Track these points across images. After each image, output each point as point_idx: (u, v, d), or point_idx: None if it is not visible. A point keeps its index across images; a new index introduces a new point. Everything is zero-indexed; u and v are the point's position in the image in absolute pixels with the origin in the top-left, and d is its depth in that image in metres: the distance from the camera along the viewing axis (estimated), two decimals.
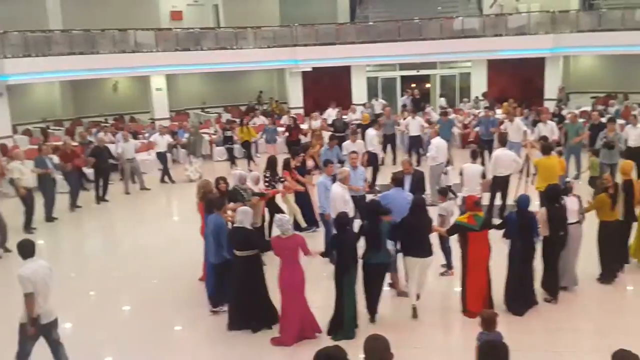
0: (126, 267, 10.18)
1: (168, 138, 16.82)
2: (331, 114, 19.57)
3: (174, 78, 23.64)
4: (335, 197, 8.86)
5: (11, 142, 18.70)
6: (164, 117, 21.81)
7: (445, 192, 8.89)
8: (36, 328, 6.14)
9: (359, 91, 23.96)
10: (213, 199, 8.10)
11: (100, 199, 14.43)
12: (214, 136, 19.19)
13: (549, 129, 13.59)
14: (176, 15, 24.95)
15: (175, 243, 11.12)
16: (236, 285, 7.43)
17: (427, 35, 22.49)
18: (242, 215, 7.39)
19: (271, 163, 10.68)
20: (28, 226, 12.03)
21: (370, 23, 24.35)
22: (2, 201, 11.81)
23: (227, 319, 7.58)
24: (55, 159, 13.39)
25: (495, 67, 23.35)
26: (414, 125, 16.18)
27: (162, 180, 16.26)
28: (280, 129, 18.25)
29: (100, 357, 7.25)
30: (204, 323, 7.87)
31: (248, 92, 26.33)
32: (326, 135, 14.56)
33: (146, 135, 19.37)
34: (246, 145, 17.43)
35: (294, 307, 7.10)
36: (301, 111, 22.58)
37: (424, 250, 7.56)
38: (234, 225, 7.65)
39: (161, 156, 16.48)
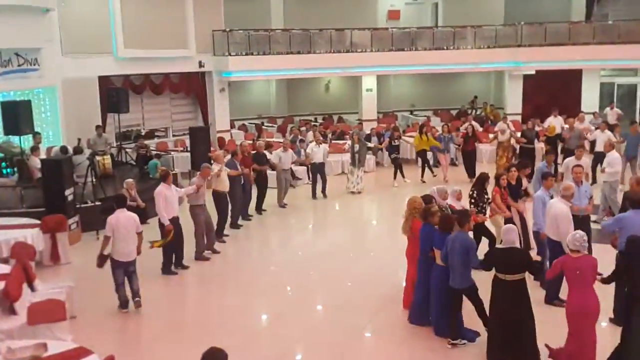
0: (321, 268, 10.05)
1: (325, 147, 15.08)
2: (552, 122, 17.34)
3: (384, 79, 23.13)
4: (558, 215, 7.60)
5: (228, 136, 19.75)
6: (371, 119, 21.37)
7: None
8: (104, 261, 8.06)
9: (590, 98, 21.24)
10: (451, 216, 7.22)
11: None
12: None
13: None
14: (394, 15, 24.41)
15: (367, 251, 11.06)
16: (498, 314, 6.51)
17: None
18: (510, 234, 6.41)
19: (481, 180, 9.42)
20: (220, 233, 11.19)
21: (610, 22, 21.41)
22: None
23: (487, 348, 6.72)
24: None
25: None
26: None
27: (321, 193, 14.42)
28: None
29: (292, 352, 7.39)
30: (394, 332, 7.65)
31: (460, 95, 24.80)
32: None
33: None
34: (422, 154, 15.70)
35: (581, 337, 6.10)
36: (518, 118, 20.53)
37: None
38: (501, 246, 6.72)
39: (316, 167, 14.42)
